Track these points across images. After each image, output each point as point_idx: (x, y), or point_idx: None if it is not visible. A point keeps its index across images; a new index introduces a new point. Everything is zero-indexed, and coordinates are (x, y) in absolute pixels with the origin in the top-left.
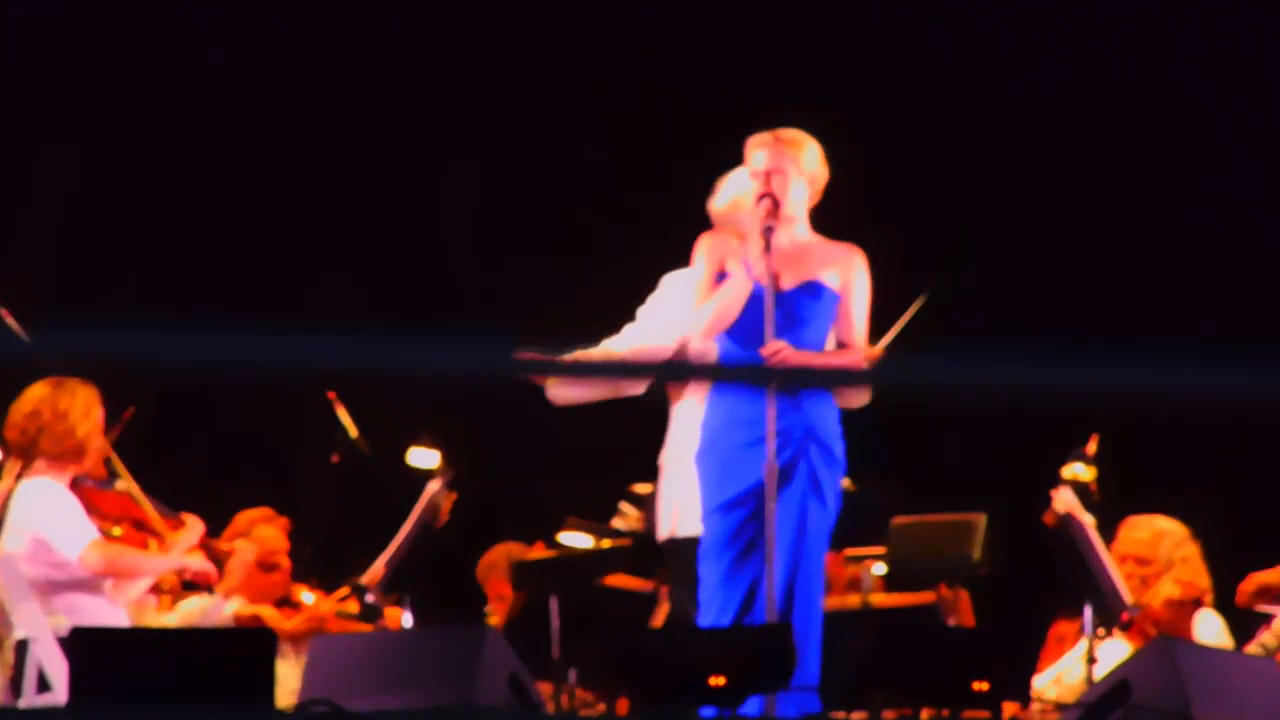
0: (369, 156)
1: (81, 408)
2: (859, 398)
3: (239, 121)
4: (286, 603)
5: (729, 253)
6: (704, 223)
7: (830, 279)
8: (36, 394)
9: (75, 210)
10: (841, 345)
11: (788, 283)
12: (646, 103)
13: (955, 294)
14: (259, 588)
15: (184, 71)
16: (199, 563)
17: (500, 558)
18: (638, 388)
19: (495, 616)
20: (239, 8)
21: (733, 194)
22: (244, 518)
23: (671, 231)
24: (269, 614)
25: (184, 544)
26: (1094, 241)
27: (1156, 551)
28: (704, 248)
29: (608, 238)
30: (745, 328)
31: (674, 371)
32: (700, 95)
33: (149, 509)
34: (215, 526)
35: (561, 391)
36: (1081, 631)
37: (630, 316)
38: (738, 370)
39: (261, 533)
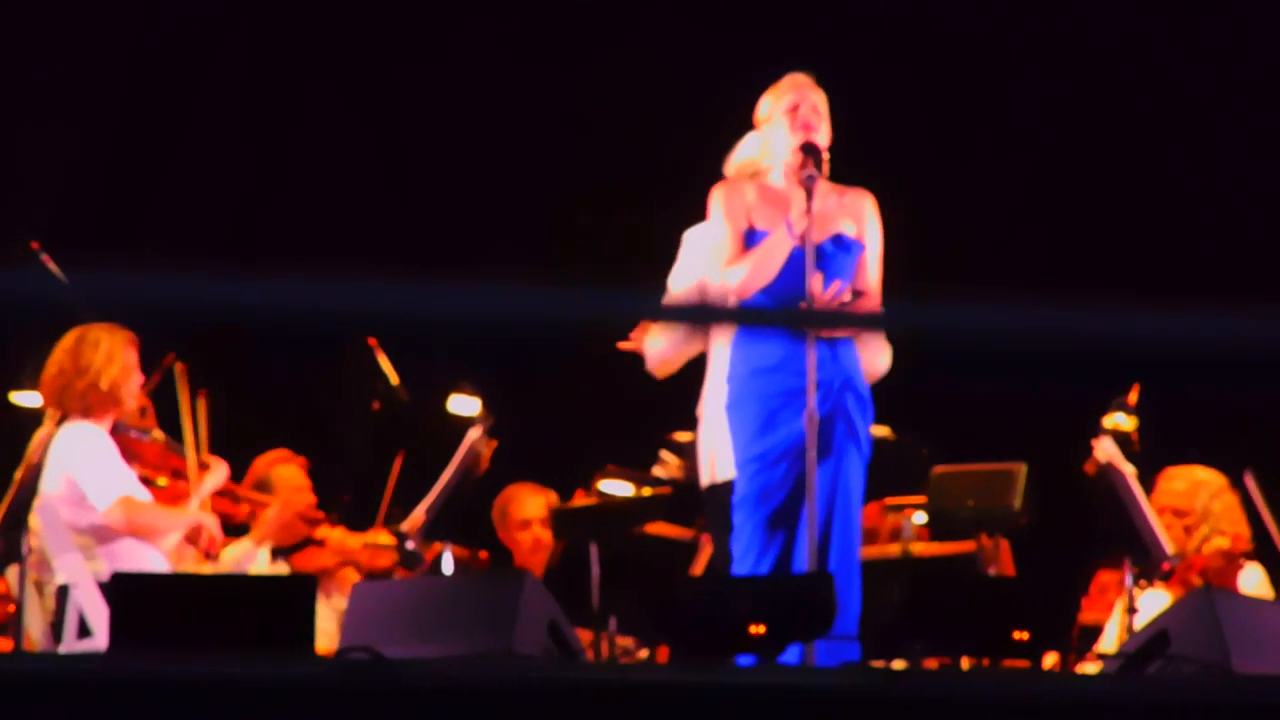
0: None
1: (104, 356)
2: (882, 356)
3: (274, 68)
4: (312, 541)
5: (752, 206)
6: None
7: (849, 228)
8: (60, 350)
9: (117, 152)
10: (858, 294)
11: (818, 236)
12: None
13: (996, 243)
14: (291, 526)
15: (217, 18)
16: (211, 525)
17: (506, 501)
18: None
19: (518, 555)
20: None
21: (749, 154)
22: (262, 461)
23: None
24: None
25: (208, 489)
26: (1138, 187)
27: (1194, 502)
28: (722, 200)
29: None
30: (783, 284)
31: (747, 316)
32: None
33: (190, 457)
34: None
35: (657, 354)
36: (1123, 583)
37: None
38: (810, 315)
39: (282, 473)
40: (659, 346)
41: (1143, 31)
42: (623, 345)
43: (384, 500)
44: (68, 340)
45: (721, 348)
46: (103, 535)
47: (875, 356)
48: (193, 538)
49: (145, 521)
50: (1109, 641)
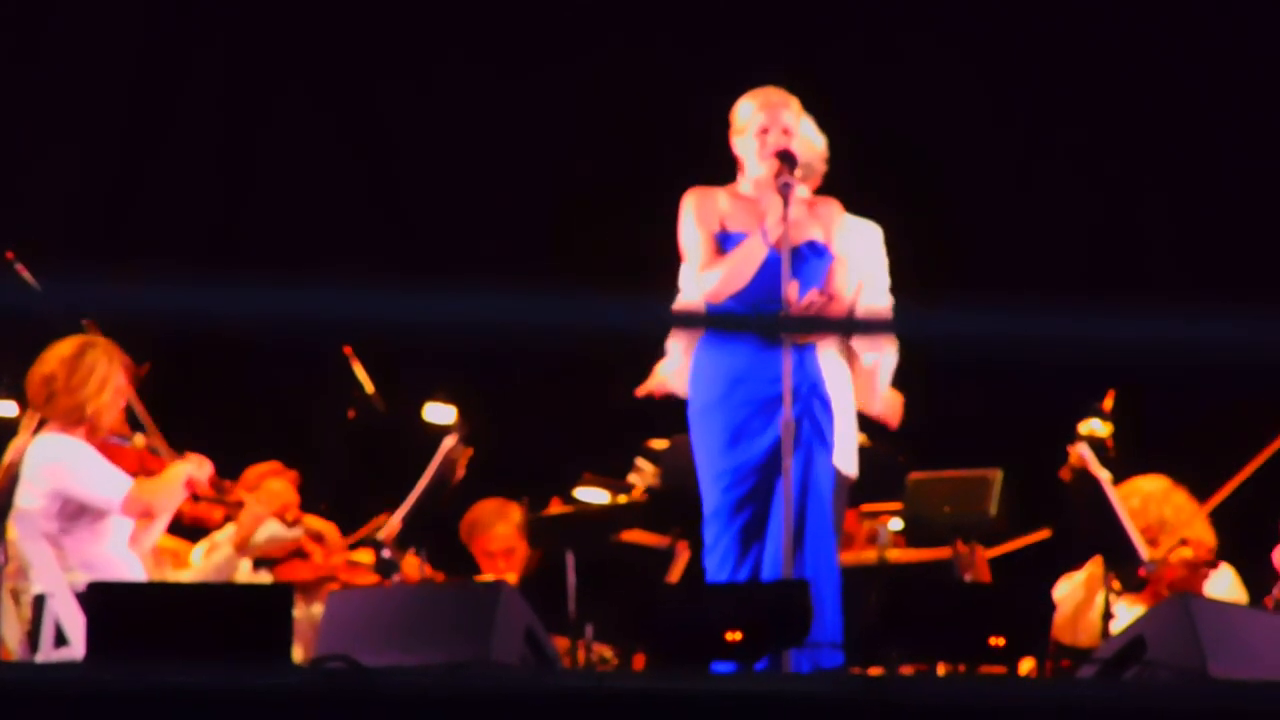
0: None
1: (98, 382)
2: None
3: (254, 78)
4: (298, 553)
5: (725, 211)
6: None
7: (818, 234)
8: (56, 356)
9: (89, 162)
10: (829, 299)
11: (792, 242)
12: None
13: (973, 248)
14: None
15: (204, 24)
16: (198, 466)
17: (482, 514)
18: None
19: (488, 574)
20: None
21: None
22: (253, 472)
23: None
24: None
25: (188, 470)
26: (1111, 193)
27: (1148, 516)
28: (693, 206)
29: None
30: (756, 289)
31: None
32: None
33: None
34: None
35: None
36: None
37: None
38: (790, 321)
39: (271, 486)
40: (675, 372)
41: (1143, 32)
42: (639, 392)
43: (368, 523)
44: (66, 349)
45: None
46: (85, 541)
47: (882, 350)
48: (199, 485)
49: (159, 499)
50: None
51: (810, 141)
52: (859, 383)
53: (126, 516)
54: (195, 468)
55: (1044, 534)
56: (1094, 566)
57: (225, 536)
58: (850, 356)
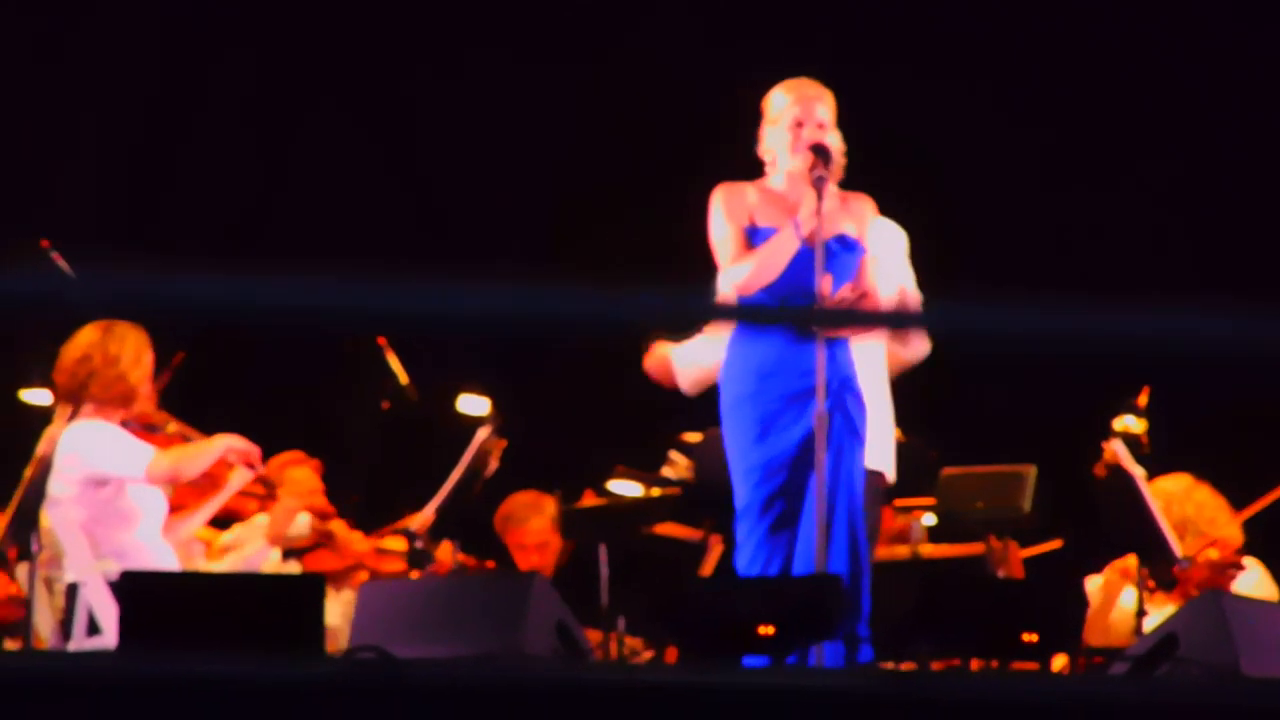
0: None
1: (132, 353)
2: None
3: (281, 70)
4: (325, 543)
5: (754, 206)
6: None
7: (850, 229)
8: (87, 338)
9: (125, 151)
10: (862, 296)
11: (824, 236)
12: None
13: (1008, 242)
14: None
15: (234, 18)
16: (239, 443)
17: (516, 508)
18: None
19: (522, 567)
20: None
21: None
22: (275, 462)
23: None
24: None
25: (227, 442)
26: (1149, 189)
27: (1170, 515)
28: (722, 201)
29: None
30: (786, 283)
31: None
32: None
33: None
34: None
35: (691, 376)
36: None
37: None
38: (824, 314)
39: (294, 475)
40: (692, 366)
41: (1143, 32)
42: (646, 364)
43: (400, 519)
44: (93, 331)
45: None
46: (119, 528)
47: (913, 346)
48: (243, 458)
49: (186, 466)
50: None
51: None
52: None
53: (152, 484)
54: (237, 441)
55: (1056, 544)
56: (1110, 573)
57: (256, 526)
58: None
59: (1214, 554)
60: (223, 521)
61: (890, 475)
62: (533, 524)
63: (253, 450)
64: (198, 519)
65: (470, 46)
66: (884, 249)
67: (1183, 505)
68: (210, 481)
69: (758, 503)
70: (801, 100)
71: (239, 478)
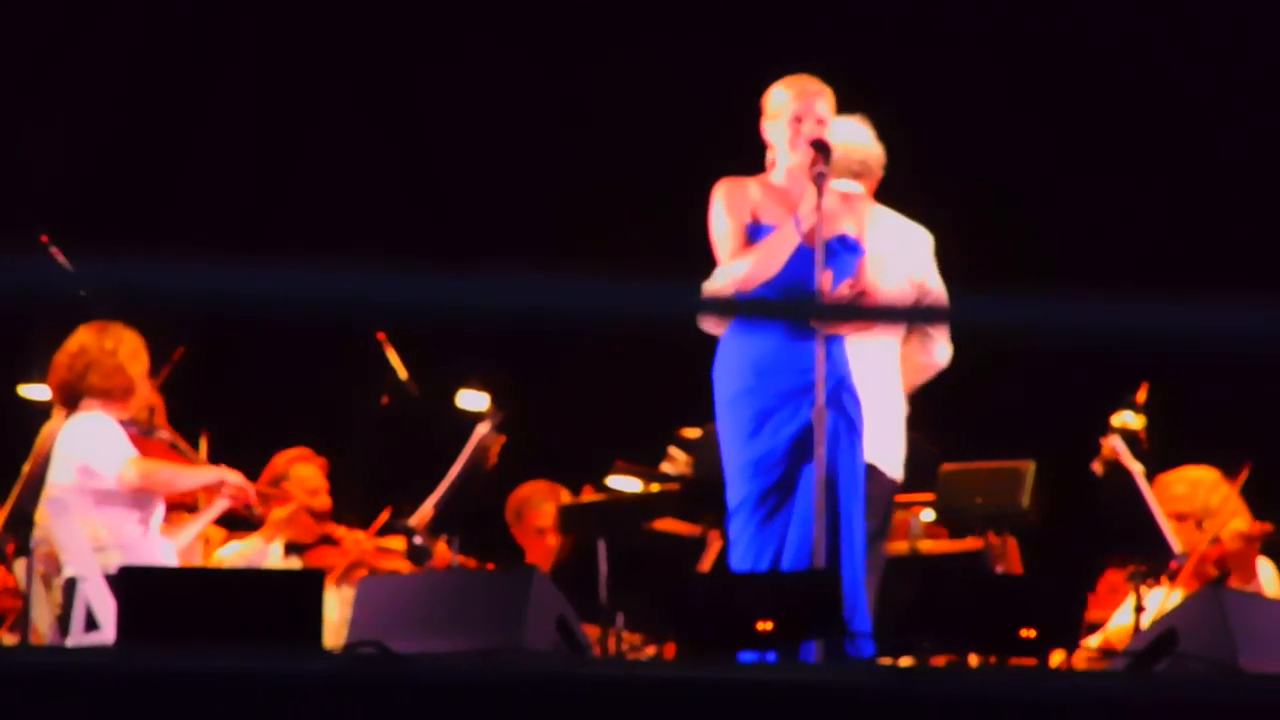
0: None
1: (129, 349)
2: (940, 348)
3: (288, 61)
4: (327, 540)
5: (756, 201)
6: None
7: (850, 228)
8: (82, 335)
9: (121, 142)
10: (861, 294)
11: (825, 234)
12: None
13: (1007, 238)
14: (301, 525)
15: (242, 9)
16: (235, 479)
17: (533, 493)
18: None
19: (532, 556)
20: None
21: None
22: (281, 458)
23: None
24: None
25: (218, 475)
26: (1149, 184)
27: (1194, 503)
28: (724, 197)
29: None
30: (786, 279)
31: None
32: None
33: (193, 456)
34: (261, 467)
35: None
36: (1130, 580)
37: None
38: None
39: (300, 472)
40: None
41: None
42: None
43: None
44: (89, 329)
45: None
46: (114, 519)
47: (934, 349)
48: (235, 495)
49: (160, 478)
50: (1114, 635)
51: (868, 146)
52: (909, 367)
53: (119, 488)
54: (230, 476)
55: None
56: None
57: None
58: (913, 350)
59: (1242, 524)
60: (222, 522)
61: (898, 475)
62: (548, 508)
63: (248, 489)
64: (198, 523)
65: (475, 37)
66: (907, 250)
67: (1208, 494)
68: (193, 502)
69: (751, 498)
70: (801, 96)
71: (223, 503)
